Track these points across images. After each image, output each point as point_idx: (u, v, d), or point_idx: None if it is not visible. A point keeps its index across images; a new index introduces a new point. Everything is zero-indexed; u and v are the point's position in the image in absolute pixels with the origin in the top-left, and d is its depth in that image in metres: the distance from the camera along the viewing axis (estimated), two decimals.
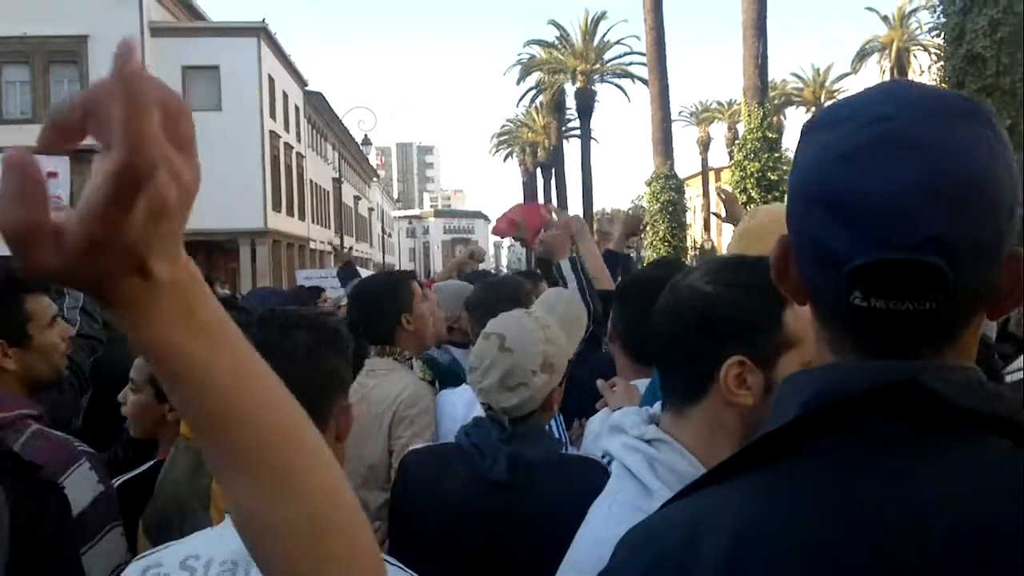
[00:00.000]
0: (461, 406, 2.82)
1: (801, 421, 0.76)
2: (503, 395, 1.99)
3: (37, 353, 2.10)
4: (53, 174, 3.64)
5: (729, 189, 3.93)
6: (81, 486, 1.88)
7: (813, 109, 55.35)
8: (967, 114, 0.74)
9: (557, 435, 2.62)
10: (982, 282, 0.73)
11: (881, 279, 0.71)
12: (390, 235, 70.07)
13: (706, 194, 65.65)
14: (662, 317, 1.38)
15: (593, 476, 1.66)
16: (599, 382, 2.45)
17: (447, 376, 3.31)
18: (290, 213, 35.73)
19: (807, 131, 0.80)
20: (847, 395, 0.74)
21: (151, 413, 2.27)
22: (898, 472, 0.73)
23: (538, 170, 61.26)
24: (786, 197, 0.81)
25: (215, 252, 34.65)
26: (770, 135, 23.81)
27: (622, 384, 2.44)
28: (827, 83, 56.97)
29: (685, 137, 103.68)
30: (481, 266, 6.49)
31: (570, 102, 51.51)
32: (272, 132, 32.37)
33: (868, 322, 0.74)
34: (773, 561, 0.73)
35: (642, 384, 2.43)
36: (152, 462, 2.22)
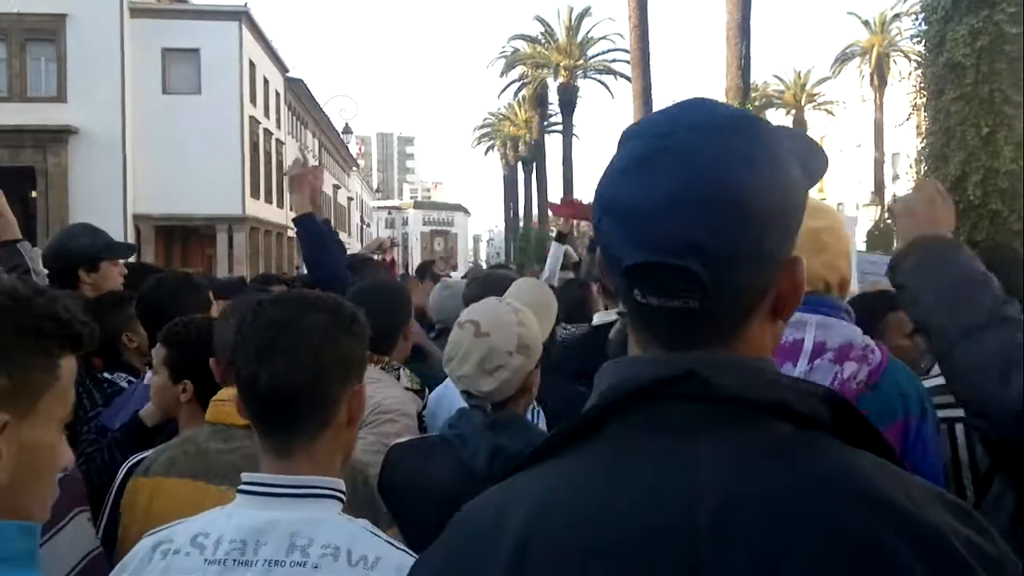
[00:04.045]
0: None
1: (598, 409, 0.85)
2: (483, 379, 2.03)
3: None
4: None
5: None
6: None
7: (793, 111, 55.69)
8: (738, 130, 0.82)
9: (536, 422, 2.63)
10: (744, 285, 0.81)
11: (649, 278, 0.81)
12: (368, 225, 69.75)
13: None
14: None
15: None
16: None
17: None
18: (268, 200, 35.48)
19: (618, 145, 0.88)
20: (638, 385, 0.83)
21: (167, 394, 2.38)
22: (674, 452, 0.80)
23: (519, 164, 61.22)
24: None
25: (191, 238, 34.37)
26: None
27: None
28: (807, 86, 57.25)
29: None
30: (461, 261, 6.61)
31: (552, 96, 51.47)
32: (252, 118, 32.11)
33: (652, 318, 0.84)
34: (560, 532, 0.81)
35: None
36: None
